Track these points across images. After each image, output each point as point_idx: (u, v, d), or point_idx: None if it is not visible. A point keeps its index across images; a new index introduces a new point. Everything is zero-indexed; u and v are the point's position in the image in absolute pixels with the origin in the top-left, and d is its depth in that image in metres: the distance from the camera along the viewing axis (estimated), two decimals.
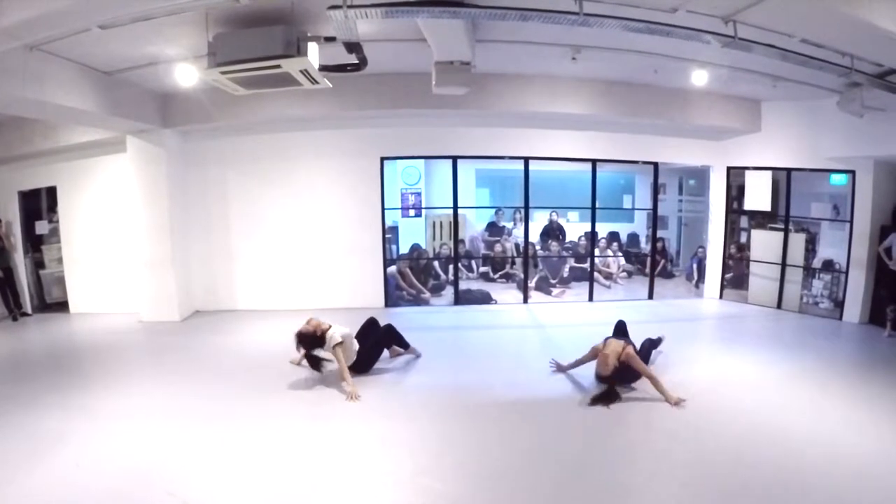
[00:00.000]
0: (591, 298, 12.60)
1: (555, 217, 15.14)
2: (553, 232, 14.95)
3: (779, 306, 11.86)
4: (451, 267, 12.79)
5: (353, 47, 6.40)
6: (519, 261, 13.34)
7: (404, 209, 14.78)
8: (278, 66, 6.06)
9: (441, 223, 14.23)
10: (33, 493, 4.63)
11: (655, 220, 13.20)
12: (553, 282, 13.54)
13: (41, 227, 11.96)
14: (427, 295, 12.55)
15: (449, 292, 12.65)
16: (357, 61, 6.82)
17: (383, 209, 11.63)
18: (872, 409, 6.46)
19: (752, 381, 7.36)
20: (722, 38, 5.88)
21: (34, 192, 11.79)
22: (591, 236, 13.12)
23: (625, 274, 14.98)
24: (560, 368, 7.54)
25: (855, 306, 10.75)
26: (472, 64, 7.60)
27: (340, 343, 6.96)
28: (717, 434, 5.83)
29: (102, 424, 6.00)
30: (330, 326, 7.18)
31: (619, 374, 6.69)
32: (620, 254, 15.27)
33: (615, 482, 4.95)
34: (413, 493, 4.71)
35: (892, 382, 7.37)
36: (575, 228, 15.18)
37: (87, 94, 8.08)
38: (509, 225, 14.96)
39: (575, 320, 10.94)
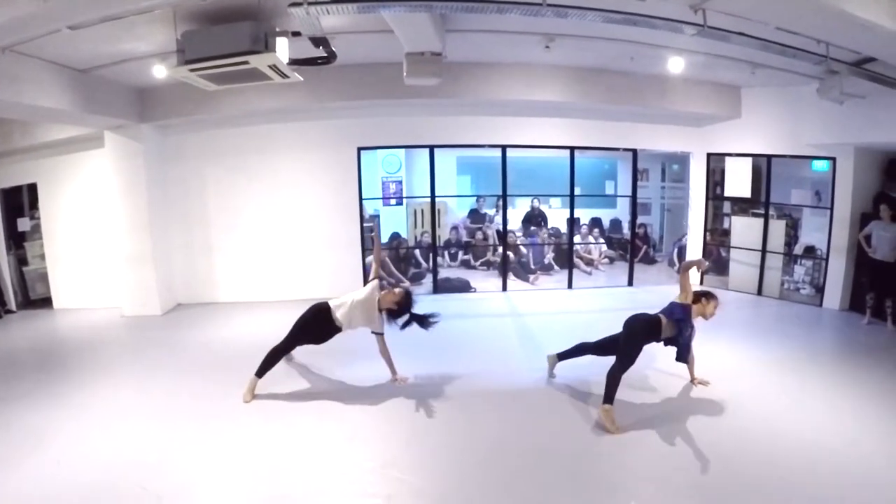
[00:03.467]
0: (570, 286, 12.69)
1: (536, 204, 15.26)
2: (535, 218, 15.06)
3: (759, 293, 11.97)
4: (431, 255, 12.88)
5: (319, 41, 6.43)
6: (500, 248, 13.35)
7: (385, 198, 14.81)
8: (246, 63, 6.08)
9: (422, 211, 14.31)
10: (14, 490, 4.72)
11: (634, 207, 13.26)
12: (533, 267, 13.65)
13: (23, 224, 11.95)
14: (406, 284, 12.58)
15: (428, 280, 12.76)
16: (326, 55, 6.82)
17: (361, 199, 11.72)
18: (850, 398, 6.55)
19: (730, 371, 7.38)
20: (692, 27, 5.89)
21: (15, 189, 11.77)
22: (570, 223, 13.19)
23: (606, 260, 15.10)
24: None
25: (835, 293, 10.84)
26: (443, 54, 7.65)
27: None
28: (694, 424, 5.91)
29: (84, 421, 6.08)
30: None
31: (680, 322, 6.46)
32: (602, 240, 15.38)
33: (586, 473, 5.03)
34: (381, 484, 4.81)
35: (870, 370, 7.46)
36: (557, 215, 15.22)
37: (63, 92, 8.13)
38: (491, 212, 15.03)
39: (553, 308, 11.03)
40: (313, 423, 6.05)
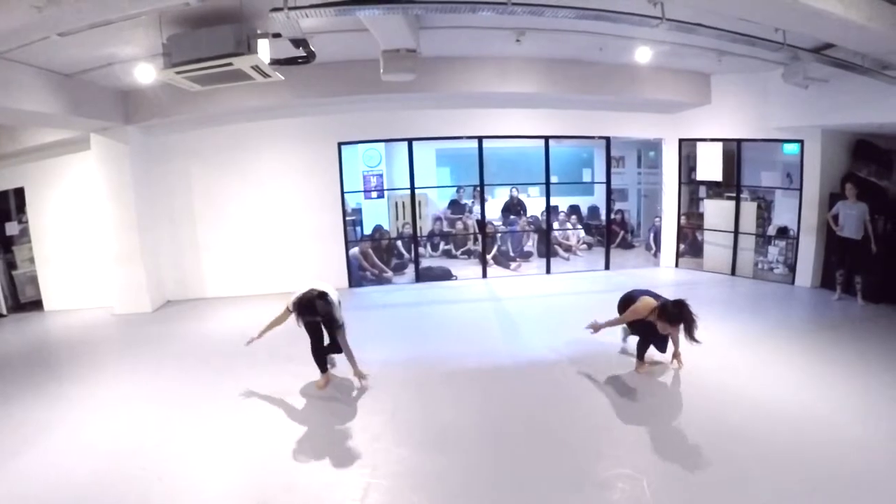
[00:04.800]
0: (548, 271, 13.07)
1: (515, 193, 15.57)
2: (514, 207, 15.36)
3: (733, 273, 12.31)
4: (413, 245, 13.17)
5: (299, 43, 6.66)
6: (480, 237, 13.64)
7: (367, 191, 15.03)
8: (230, 64, 6.32)
9: (404, 203, 14.49)
10: (19, 478, 4.97)
11: (609, 193, 13.66)
12: (513, 255, 14.01)
13: (11, 229, 12.01)
14: (389, 274, 12.98)
15: (411, 270, 13.08)
16: (305, 54, 7.05)
17: (343, 193, 11.99)
18: (821, 369, 6.88)
19: (706, 346, 7.36)
20: (655, 19, 6.13)
21: (1, 193, 11.84)
22: (547, 210, 13.53)
23: (585, 246, 15.43)
24: (595, 328, 6.97)
25: (806, 271, 11.20)
26: (417, 51, 7.89)
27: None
28: (671, 397, 6.30)
29: (83, 413, 6.33)
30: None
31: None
32: (580, 226, 15.70)
33: (561, 443, 5.36)
34: (368, 455, 5.17)
35: (841, 344, 7.79)
36: (536, 203, 15.40)
37: (50, 97, 8.28)
38: (470, 202, 15.28)
39: (531, 292, 11.39)
40: (303, 403, 6.41)
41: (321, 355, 6.76)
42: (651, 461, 4.89)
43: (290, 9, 5.35)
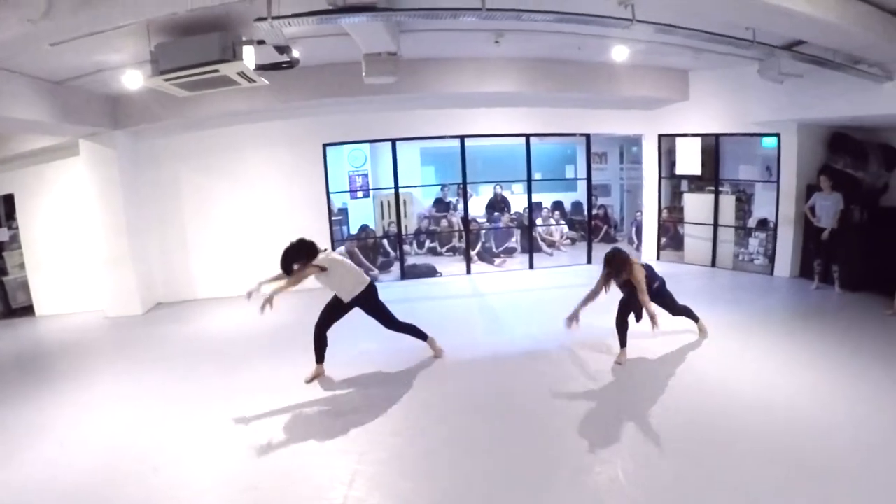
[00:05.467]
0: (531, 266, 13.32)
1: (499, 190, 15.82)
2: (498, 204, 15.60)
3: (713, 264, 12.57)
4: (398, 244, 13.38)
5: (283, 49, 6.87)
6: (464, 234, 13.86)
7: (352, 191, 15.21)
8: (216, 70, 6.50)
9: (389, 202, 14.61)
10: (16, 479, 5.10)
11: (590, 189, 13.93)
12: (496, 251, 14.26)
13: (1, 235, 12.06)
14: (375, 272, 13.17)
15: (396, 268, 13.31)
16: (289, 60, 7.24)
17: (328, 193, 12.22)
18: (795, 355, 7.09)
19: (683, 335, 7.82)
20: (623, 21, 6.32)
21: None
22: (529, 207, 13.76)
23: (568, 241, 15.70)
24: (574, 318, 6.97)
25: (785, 261, 11.46)
26: (398, 54, 8.10)
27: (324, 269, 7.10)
28: (652, 386, 6.43)
29: (77, 413, 6.47)
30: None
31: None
32: (563, 222, 15.94)
33: (545, 432, 5.55)
34: (354, 443, 5.42)
35: (818, 330, 8.03)
36: (520, 200, 15.59)
37: (40, 104, 8.41)
38: (455, 200, 15.50)
39: (513, 287, 11.67)
40: (292, 396, 6.61)
41: (320, 341, 7.03)
42: (629, 447, 5.08)
43: (274, 18, 5.53)
